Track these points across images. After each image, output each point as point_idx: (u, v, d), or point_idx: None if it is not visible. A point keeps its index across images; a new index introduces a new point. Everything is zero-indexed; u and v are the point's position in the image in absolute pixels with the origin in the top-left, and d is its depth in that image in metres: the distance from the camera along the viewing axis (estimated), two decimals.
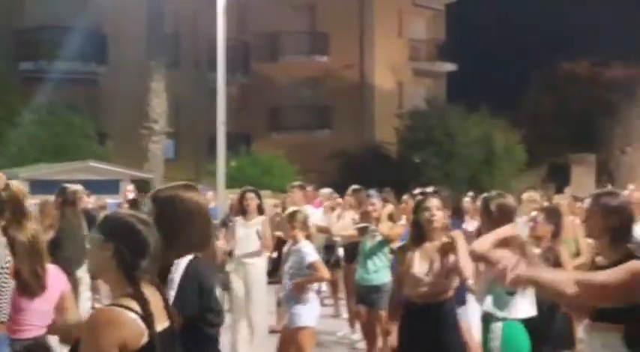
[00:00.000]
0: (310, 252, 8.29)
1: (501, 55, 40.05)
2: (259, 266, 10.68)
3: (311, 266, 8.22)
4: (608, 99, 34.61)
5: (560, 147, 33.28)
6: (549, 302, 6.70)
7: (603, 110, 34.39)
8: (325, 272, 8.35)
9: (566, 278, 4.23)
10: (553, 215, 8.05)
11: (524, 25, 44.89)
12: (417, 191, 13.68)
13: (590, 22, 41.70)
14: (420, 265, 6.80)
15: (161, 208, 4.16)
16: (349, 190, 12.32)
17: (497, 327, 6.40)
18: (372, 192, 9.65)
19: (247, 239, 10.43)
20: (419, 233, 6.89)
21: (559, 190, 28.37)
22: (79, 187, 10.97)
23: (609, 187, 19.67)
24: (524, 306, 6.48)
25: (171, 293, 3.95)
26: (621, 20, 40.77)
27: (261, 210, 10.64)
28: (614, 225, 4.75)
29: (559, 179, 32.34)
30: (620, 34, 38.84)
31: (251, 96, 36.51)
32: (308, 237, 8.51)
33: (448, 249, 6.70)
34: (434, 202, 6.91)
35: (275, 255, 12.52)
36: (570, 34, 42.73)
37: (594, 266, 5.01)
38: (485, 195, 7.08)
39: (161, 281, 3.76)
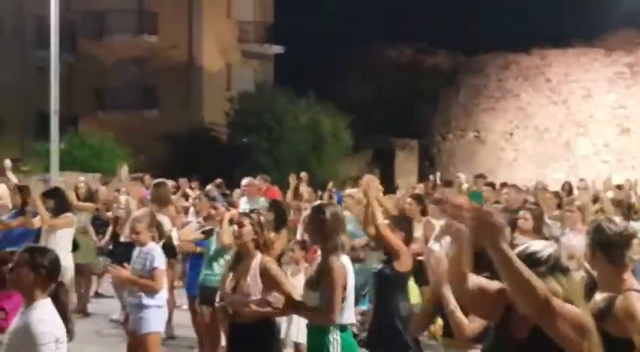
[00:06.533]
0: (157, 257, 8.33)
1: (328, 40, 40.57)
2: None
3: (151, 272, 8.27)
4: (430, 87, 35.74)
5: (385, 133, 34.16)
6: None
7: (426, 97, 35.52)
8: (159, 284, 8.28)
9: None
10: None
11: (348, 10, 45.71)
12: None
13: (414, 8, 42.93)
14: (230, 281, 6.94)
15: None
16: (151, 185, 12.06)
17: None
18: (217, 195, 9.69)
19: None
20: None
21: (384, 174, 29.23)
22: None
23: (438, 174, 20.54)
24: None
25: None
26: (441, 8, 42.27)
27: None
28: None
29: (384, 163, 33.25)
30: (446, 23, 40.21)
31: (77, 75, 35.66)
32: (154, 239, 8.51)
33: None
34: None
35: None
36: (394, 20, 43.88)
37: None
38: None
39: None
